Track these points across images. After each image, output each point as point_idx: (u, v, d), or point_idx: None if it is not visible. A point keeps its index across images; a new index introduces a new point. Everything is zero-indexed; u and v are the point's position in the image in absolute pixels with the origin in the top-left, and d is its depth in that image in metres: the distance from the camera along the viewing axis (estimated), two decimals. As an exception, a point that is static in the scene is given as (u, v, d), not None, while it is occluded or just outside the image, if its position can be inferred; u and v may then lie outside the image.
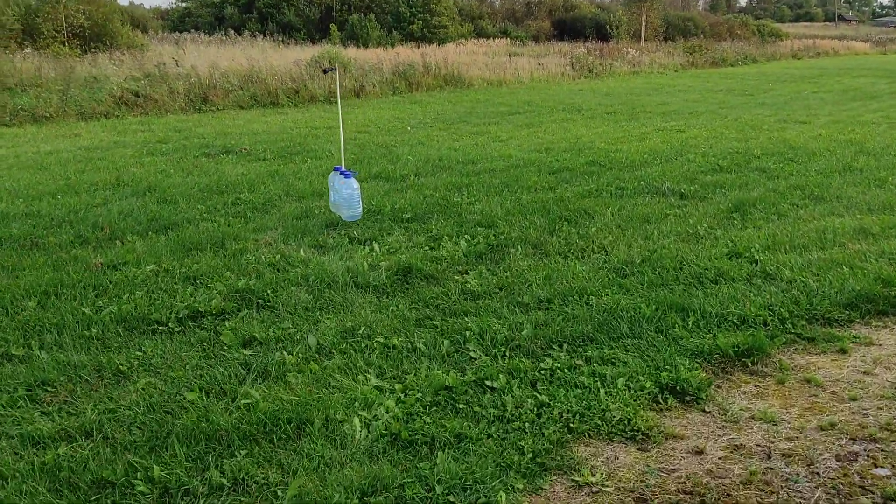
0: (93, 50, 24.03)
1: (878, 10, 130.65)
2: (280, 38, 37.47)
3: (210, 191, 6.88)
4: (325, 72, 5.37)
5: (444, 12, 45.44)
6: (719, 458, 2.63)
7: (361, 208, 5.59)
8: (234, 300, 4.07)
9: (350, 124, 12.77)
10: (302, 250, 4.89)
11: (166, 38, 38.47)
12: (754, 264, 4.49)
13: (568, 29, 51.05)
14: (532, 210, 5.89)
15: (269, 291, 4.17)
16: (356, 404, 2.91)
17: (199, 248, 4.98)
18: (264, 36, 39.02)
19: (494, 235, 5.17)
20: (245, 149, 9.57)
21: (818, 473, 2.51)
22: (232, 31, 40.90)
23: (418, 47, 32.51)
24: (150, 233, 5.43)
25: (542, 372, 3.18)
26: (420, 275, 4.39)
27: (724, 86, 21.79)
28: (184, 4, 52.79)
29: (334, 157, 9.06)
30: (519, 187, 6.89)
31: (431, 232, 5.34)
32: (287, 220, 5.72)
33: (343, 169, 5.47)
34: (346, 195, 5.39)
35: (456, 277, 4.38)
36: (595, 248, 4.86)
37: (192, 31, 42.23)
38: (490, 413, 2.86)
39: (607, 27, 43.98)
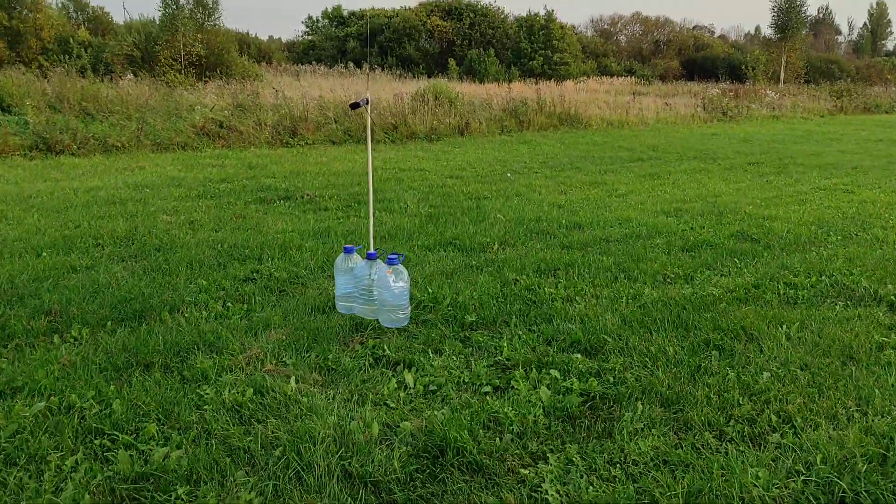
0: (206, 79, 23.84)
1: None
2: (398, 72, 36.92)
3: (230, 255, 5.31)
4: (352, 107, 3.70)
5: (566, 49, 43.80)
6: None
7: (409, 309, 3.80)
8: (123, 495, 2.35)
9: (443, 167, 11.12)
10: (293, 380, 3.14)
11: (287, 69, 38.77)
12: None
13: (698, 69, 48.23)
14: (660, 322, 3.91)
15: (190, 474, 2.43)
16: None
17: (150, 363, 3.33)
18: (383, 69, 38.64)
19: (599, 374, 3.23)
20: (309, 194, 8.05)
21: None
22: (352, 65, 40.84)
23: (536, 83, 30.90)
24: (107, 324, 3.85)
25: None
26: (460, 461, 2.53)
27: (883, 135, 18.79)
28: (309, 37, 53.73)
29: (408, 210, 7.38)
30: (640, 273, 4.92)
31: (501, 354, 3.48)
32: (300, 314, 4.01)
33: (373, 253, 3.69)
34: (394, 293, 3.60)
35: (521, 471, 2.49)
36: (773, 419, 2.84)
37: (315, 63, 42.49)
38: None
39: (742, 67, 40.89)
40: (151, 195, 7.87)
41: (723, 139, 17.02)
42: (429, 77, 34.28)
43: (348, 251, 3.70)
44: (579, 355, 3.43)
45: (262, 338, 3.66)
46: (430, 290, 4.41)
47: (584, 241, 5.97)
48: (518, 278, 4.73)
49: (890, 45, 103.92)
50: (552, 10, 43.81)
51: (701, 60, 50.94)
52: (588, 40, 52.34)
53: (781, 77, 39.69)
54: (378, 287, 3.60)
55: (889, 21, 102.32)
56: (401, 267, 3.57)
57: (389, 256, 3.54)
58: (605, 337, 3.65)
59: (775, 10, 40.09)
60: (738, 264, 5.26)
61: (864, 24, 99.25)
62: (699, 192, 9.02)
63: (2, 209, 6.92)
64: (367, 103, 3.74)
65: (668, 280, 4.82)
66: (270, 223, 6.53)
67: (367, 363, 3.37)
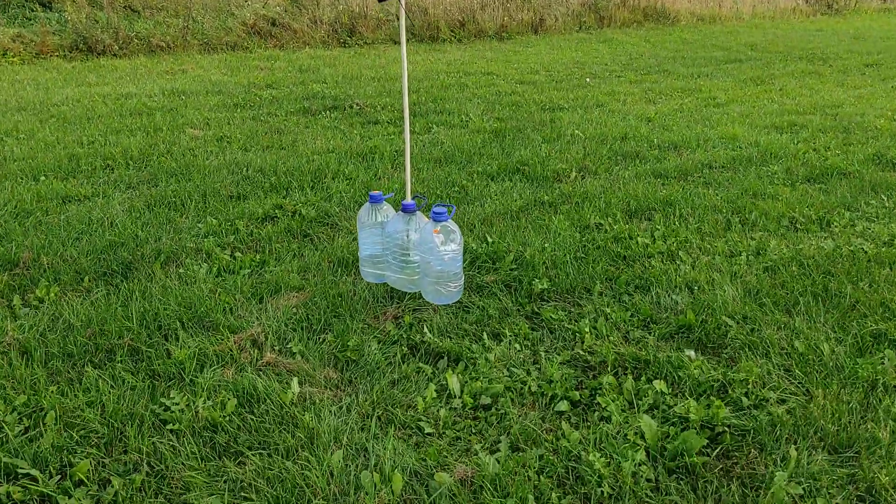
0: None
1: None
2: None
3: (253, 184, 4.45)
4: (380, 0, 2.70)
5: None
6: None
7: (463, 279, 2.86)
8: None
9: (513, 70, 9.90)
10: (296, 381, 2.30)
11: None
12: None
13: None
14: (800, 296, 2.88)
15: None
16: None
17: (114, 347, 2.54)
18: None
19: (725, 389, 2.26)
20: (358, 104, 7.07)
21: None
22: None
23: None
24: (83, 279, 3.08)
25: None
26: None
27: None
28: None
29: (471, 125, 6.34)
30: (760, 216, 3.84)
31: (582, 343, 2.54)
32: (323, 272, 3.14)
33: (411, 203, 2.71)
34: (442, 259, 2.64)
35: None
36: None
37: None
38: None
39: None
40: (185, 104, 7.04)
41: (830, 36, 15.04)
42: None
43: (375, 200, 2.75)
44: (692, 353, 2.46)
45: (269, 308, 2.81)
46: (489, 239, 3.45)
47: (683, 167, 4.85)
48: (602, 222, 3.72)
49: None
50: None
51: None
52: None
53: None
54: (419, 250, 2.66)
55: None
56: (451, 224, 2.61)
57: (435, 209, 2.58)
58: (727, 320, 2.66)
59: None
60: (886, 202, 4.10)
61: None
62: (814, 102, 7.63)
63: (18, 120, 6.21)
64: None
65: (798, 226, 3.72)
66: (309, 140, 5.61)
67: (399, 354, 2.49)
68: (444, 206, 2.59)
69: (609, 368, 2.38)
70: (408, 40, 13.15)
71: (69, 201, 4.13)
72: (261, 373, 2.38)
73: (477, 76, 9.41)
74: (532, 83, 8.86)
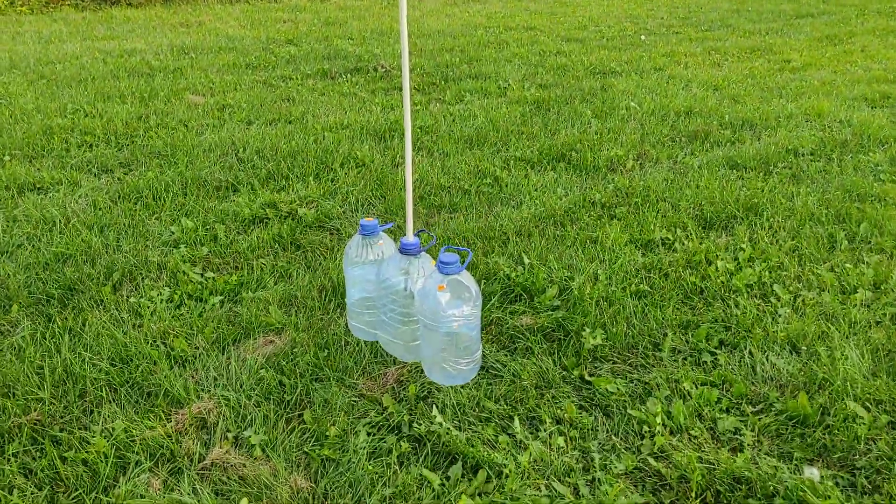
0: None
1: None
2: None
3: (247, 171, 3.75)
4: None
5: None
6: None
7: (481, 351, 2.10)
8: None
9: (559, 25, 8.97)
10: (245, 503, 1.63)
11: None
12: None
13: None
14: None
15: None
16: None
17: (12, 429, 1.89)
18: None
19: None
20: (383, 66, 6.29)
21: None
22: None
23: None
24: (9, 307, 2.43)
25: None
26: None
27: None
28: None
29: (509, 93, 5.53)
30: (872, 228, 3.02)
31: (652, 443, 1.82)
32: (311, 304, 2.45)
33: (412, 243, 1.95)
34: (449, 325, 1.87)
35: None
36: None
37: None
38: None
39: None
40: (192, 64, 6.33)
41: (910, -13, 13.64)
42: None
43: (368, 231, 2.02)
44: (815, 471, 1.71)
45: (233, 364, 2.14)
46: (525, 261, 2.72)
47: (763, 154, 4.01)
48: (670, 237, 2.94)
49: None
50: None
51: None
52: None
53: None
54: (420, 311, 1.93)
55: None
56: (465, 277, 1.87)
57: (443, 257, 1.84)
58: (856, 409, 1.90)
59: None
60: None
61: None
62: (907, 67, 6.63)
63: (4, 82, 5.57)
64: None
65: (927, 247, 2.91)
66: (322, 113, 4.88)
67: (396, 452, 1.80)
68: (455, 250, 1.86)
69: (693, 495, 1.66)
70: (445, -11, 12.19)
71: (27, 191, 3.48)
72: (202, 479, 1.71)
73: (519, 32, 8.52)
74: (580, 41, 7.96)
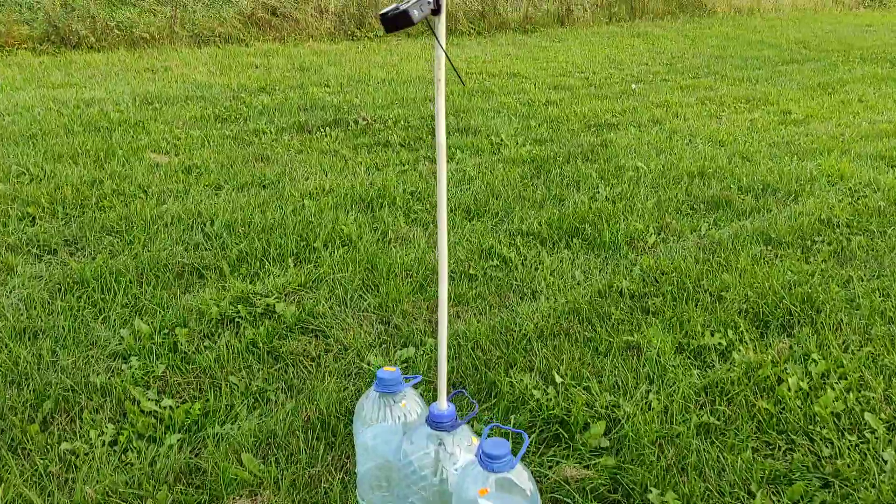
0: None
1: None
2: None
3: (214, 254, 3.23)
4: (388, 22, 1.48)
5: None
6: None
7: None
8: None
9: (543, 71, 8.63)
10: None
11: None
12: None
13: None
14: None
15: None
16: None
17: None
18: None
19: None
20: (364, 118, 5.83)
21: None
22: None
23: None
24: None
25: None
26: None
27: None
28: None
29: (504, 150, 5.10)
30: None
31: None
32: (297, 456, 1.92)
33: (446, 415, 1.43)
34: None
35: None
36: None
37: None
38: None
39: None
40: (156, 115, 5.81)
41: (885, 33, 13.68)
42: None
43: (386, 387, 1.51)
44: None
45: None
46: (557, 378, 2.22)
47: (797, 227, 3.60)
48: (722, 342, 2.48)
49: None
50: None
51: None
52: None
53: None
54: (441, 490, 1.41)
55: None
56: (518, 474, 1.34)
57: (486, 448, 1.30)
58: None
59: None
60: None
61: None
62: (910, 119, 6.36)
63: (-58, 139, 5.00)
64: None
65: None
66: (300, 174, 4.38)
67: None
68: (502, 430, 1.37)
69: None
70: (422, 33, 11.87)
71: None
72: None
73: (503, 78, 8.15)
74: (568, 89, 7.60)
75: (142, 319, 2.59)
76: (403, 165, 4.70)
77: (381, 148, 5.12)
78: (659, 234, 3.53)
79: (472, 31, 12.21)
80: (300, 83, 7.41)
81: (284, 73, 8.06)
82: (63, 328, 2.54)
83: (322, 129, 5.54)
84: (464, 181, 4.35)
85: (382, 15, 1.24)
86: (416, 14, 1.23)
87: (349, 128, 5.63)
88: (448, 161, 4.78)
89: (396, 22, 1.26)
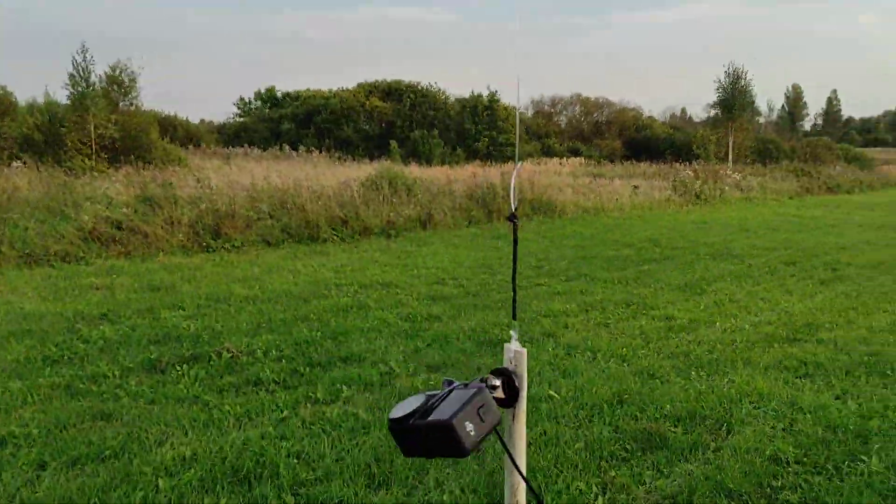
0: (119, 165, 20.69)
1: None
2: (337, 155, 34.42)
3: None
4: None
5: (510, 129, 42.37)
6: None
7: None
8: None
9: (416, 279, 8.30)
10: None
11: (217, 152, 35.87)
12: None
13: (641, 148, 47.64)
14: None
15: None
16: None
17: None
18: (321, 152, 36.11)
19: None
20: (230, 350, 5.07)
21: None
22: (287, 147, 38.39)
23: (483, 166, 28.85)
24: None
25: None
26: None
27: (881, 220, 17.02)
28: (241, 119, 51.28)
29: (395, 381, 4.48)
30: None
31: None
32: None
33: None
34: None
35: None
36: None
37: (247, 145, 39.89)
38: None
39: (694, 147, 40.00)
40: (-35, 361, 4.76)
41: (718, 229, 14.79)
42: (370, 160, 31.93)
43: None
44: None
45: None
46: None
47: (749, 470, 3.15)
48: None
49: (807, 126, 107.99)
50: (495, 91, 42.36)
51: (643, 140, 50.50)
52: (530, 121, 51.38)
53: (730, 157, 38.87)
54: None
55: (805, 103, 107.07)
56: None
57: None
58: None
59: (720, 89, 39.55)
60: None
61: (783, 105, 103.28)
62: (782, 319, 6.44)
63: None
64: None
65: None
66: (154, 435, 3.52)
67: None
68: None
69: None
70: (283, 241, 11.45)
71: None
72: None
73: (376, 289, 7.71)
74: (446, 299, 7.24)
75: None
76: (281, 411, 3.95)
77: (252, 388, 4.36)
78: (604, 494, 2.95)
79: (335, 238, 11.94)
80: (150, 306, 6.58)
81: (131, 294, 7.20)
82: None
83: (178, 367, 4.71)
84: (357, 430, 3.65)
85: (399, 423, 0.67)
86: (468, 434, 0.68)
87: (211, 363, 4.84)
88: (331, 401, 4.10)
89: (431, 442, 0.70)
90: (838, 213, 19.03)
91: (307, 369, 4.75)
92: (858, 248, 11.91)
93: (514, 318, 1.26)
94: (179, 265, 9.05)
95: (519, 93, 1.62)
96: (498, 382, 1.02)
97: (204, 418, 3.81)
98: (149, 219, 10.55)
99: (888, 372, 4.75)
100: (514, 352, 1.12)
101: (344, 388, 4.35)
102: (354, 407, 4.01)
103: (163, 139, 27.20)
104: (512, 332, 1.18)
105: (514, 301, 1.28)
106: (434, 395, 0.84)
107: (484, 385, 0.87)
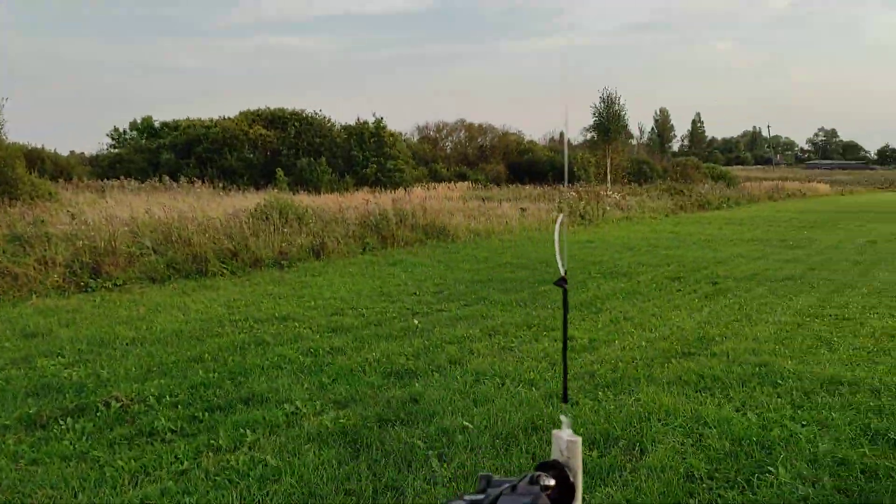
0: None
1: (799, 154, 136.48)
2: (221, 184, 33.36)
3: None
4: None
5: (398, 156, 42.55)
6: None
7: None
8: None
9: (314, 311, 8.07)
10: None
11: (91, 185, 33.96)
12: None
13: (524, 171, 49.04)
14: None
15: None
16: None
17: None
18: (203, 182, 34.91)
19: None
20: (119, 399, 4.71)
21: None
22: (167, 178, 36.88)
23: (373, 192, 28.76)
24: None
25: None
26: None
27: (749, 234, 18.18)
28: (116, 150, 48.89)
29: (303, 420, 4.28)
30: None
31: None
32: None
33: None
34: None
35: None
36: None
37: (123, 177, 38.02)
38: None
39: (575, 169, 41.48)
40: None
41: (604, 248, 15.31)
42: (256, 189, 31.14)
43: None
44: None
45: None
46: None
47: (669, 493, 3.19)
48: None
49: (675, 147, 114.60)
50: (381, 118, 42.44)
51: (526, 164, 51.94)
52: (417, 147, 51.84)
53: (608, 177, 40.56)
54: None
55: (672, 126, 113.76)
56: None
57: None
58: None
59: (595, 113, 41.33)
60: None
61: (652, 128, 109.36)
62: (678, 334, 6.69)
63: None
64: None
65: None
66: (39, 500, 3.18)
67: None
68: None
69: None
70: (169, 277, 10.90)
71: None
72: None
73: (273, 324, 7.44)
74: (347, 330, 7.07)
75: None
76: (181, 463, 3.68)
77: (147, 440, 4.05)
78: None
79: (224, 271, 11.49)
80: (25, 355, 6.06)
81: (2, 342, 6.62)
82: None
83: (62, 421, 4.33)
84: (266, 478, 3.45)
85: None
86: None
87: (99, 414, 4.48)
88: (237, 449, 3.87)
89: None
90: (711, 229, 20.12)
91: (206, 414, 4.47)
92: (733, 261, 12.61)
93: (564, 400, 1.04)
94: (56, 308, 8.42)
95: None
96: (552, 482, 0.85)
97: (95, 477, 3.50)
98: (19, 259, 9.79)
99: (779, 381, 4.99)
100: (567, 441, 0.96)
101: (248, 432, 4.12)
102: (262, 452, 3.80)
103: (30, 173, 25.52)
104: (563, 418, 0.99)
105: (565, 377, 1.05)
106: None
107: (539, 490, 0.75)
